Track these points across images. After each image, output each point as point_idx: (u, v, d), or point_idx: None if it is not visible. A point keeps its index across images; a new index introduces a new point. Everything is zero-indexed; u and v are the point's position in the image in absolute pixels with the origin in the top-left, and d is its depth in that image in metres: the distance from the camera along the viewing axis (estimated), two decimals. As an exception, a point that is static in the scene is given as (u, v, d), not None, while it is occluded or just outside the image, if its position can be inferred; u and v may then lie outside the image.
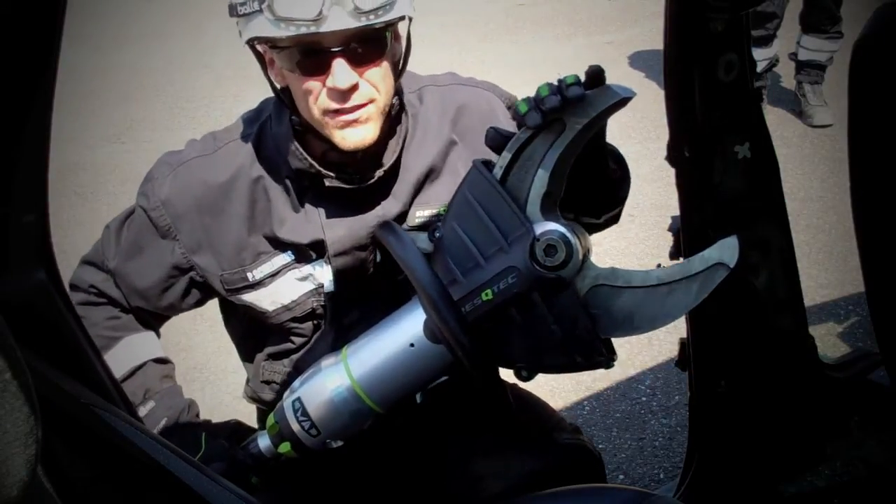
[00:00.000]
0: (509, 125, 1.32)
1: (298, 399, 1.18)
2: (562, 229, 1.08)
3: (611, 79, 1.07)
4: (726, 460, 1.51)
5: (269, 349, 1.39)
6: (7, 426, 0.55)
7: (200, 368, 2.78)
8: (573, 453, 1.41)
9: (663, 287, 1.10)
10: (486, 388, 1.14)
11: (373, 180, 1.25)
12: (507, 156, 1.10)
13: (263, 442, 1.22)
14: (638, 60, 4.67)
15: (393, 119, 1.26)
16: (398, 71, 1.23)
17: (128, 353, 1.36)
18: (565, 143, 1.07)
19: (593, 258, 1.14)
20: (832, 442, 1.53)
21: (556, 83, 1.05)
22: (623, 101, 1.05)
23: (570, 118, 1.06)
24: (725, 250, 1.08)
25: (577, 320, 1.10)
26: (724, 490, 1.54)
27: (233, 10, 1.14)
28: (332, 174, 1.23)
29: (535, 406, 1.52)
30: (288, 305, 1.32)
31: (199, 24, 6.28)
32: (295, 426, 1.18)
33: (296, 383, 1.21)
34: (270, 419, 1.23)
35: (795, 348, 1.48)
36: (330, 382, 1.17)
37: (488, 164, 1.12)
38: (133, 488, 0.89)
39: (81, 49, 5.52)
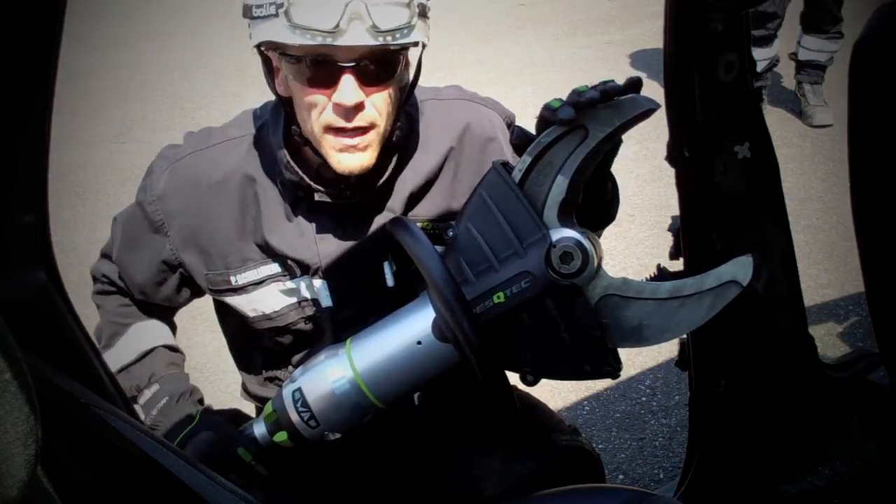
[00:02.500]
0: (507, 146, 1.32)
1: (299, 389, 1.18)
2: (578, 237, 1.08)
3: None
4: (726, 460, 1.51)
5: (265, 348, 1.39)
6: (7, 426, 0.56)
7: (200, 368, 2.78)
8: (571, 455, 1.41)
9: (674, 300, 1.10)
10: (493, 391, 1.14)
11: (361, 197, 1.23)
12: (527, 159, 1.09)
13: (259, 429, 1.22)
14: (638, 60, 4.67)
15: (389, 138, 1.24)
16: (403, 98, 1.21)
17: (137, 338, 1.37)
18: (587, 150, 1.07)
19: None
20: (832, 442, 1.52)
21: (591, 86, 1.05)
22: (648, 113, 1.05)
23: (593, 126, 1.06)
24: (740, 268, 1.09)
25: (587, 329, 1.09)
26: (724, 490, 1.54)
27: (247, 12, 1.12)
28: (322, 189, 1.22)
29: (533, 407, 1.52)
30: (269, 315, 1.31)
31: (199, 24, 6.28)
32: (294, 416, 1.18)
33: (297, 373, 1.21)
34: (268, 407, 1.22)
35: (795, 348, 1.48)
36: (332, 373, 1.16)
37: (507, 166, 1.12)
38: (132, 488, 0.89)
39: (81, 49, 5.53)
